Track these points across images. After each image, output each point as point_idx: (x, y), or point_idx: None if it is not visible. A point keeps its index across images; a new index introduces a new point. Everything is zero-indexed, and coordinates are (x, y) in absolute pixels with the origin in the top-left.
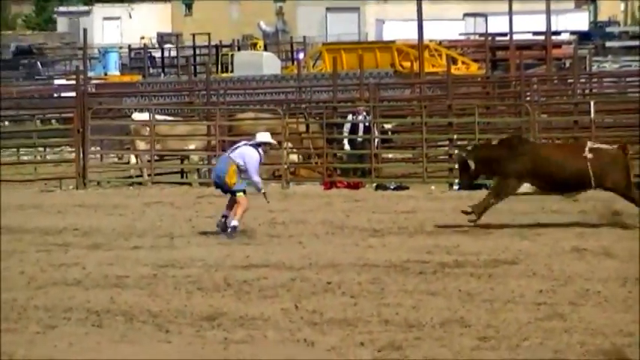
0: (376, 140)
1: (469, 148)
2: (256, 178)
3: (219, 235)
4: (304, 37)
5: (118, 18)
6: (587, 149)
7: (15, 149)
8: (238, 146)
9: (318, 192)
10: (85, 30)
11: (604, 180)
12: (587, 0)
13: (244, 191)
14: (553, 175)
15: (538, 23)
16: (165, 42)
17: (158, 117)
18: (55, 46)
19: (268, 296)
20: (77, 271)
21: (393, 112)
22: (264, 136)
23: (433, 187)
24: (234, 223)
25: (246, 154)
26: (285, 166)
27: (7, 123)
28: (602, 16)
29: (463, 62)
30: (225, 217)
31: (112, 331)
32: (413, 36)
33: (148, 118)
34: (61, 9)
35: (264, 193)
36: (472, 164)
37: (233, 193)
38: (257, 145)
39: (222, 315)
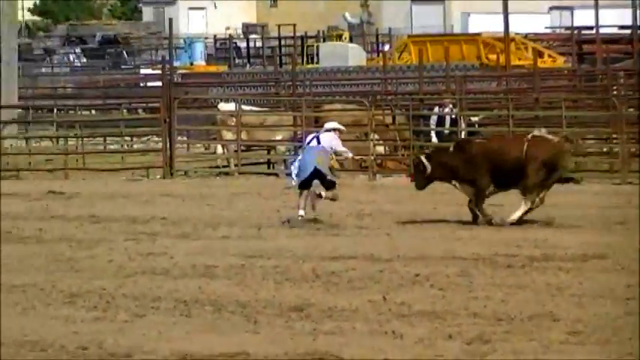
0: (462, 133)
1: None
2: (345, 149)
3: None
4: (389, 29)
5: (203, 8)
6: (529, 136)
7: (102, 138)
8: (315, 137)
9: (404, 184)
10: (170, 20)
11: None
12: None
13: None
14: (499, 168)
15: (624, 17)
16: (250, 32)
17: (244, 107)
18: (140, 35)
19: (356, 288)
20: (165, 260)
21: (479, 105)
22: (331, 124)
23: None
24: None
25: (326, 140)
26: (372, 158)
27: (94, 112)
28: None
29: (549, 55)
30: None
31: (200, 320)
32: (498, 29)
33: (234, 109)
34: None
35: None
36: (428, 167)
37: (329, 184)
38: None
39: (310, 306)
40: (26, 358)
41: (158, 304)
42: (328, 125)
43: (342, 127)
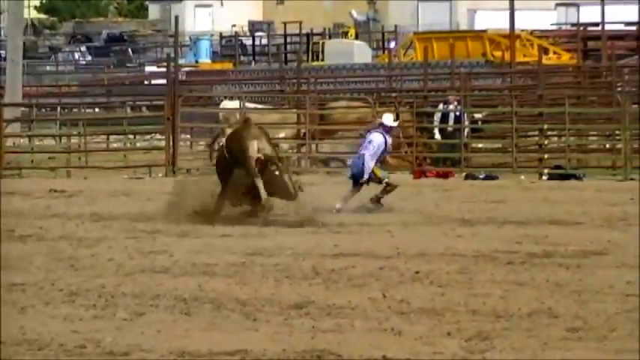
0: (466, 130)
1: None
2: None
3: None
4: (395, 26)
5: (209, 6)
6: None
7: (105, 136)
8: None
9: (407, 181)
10: (176, 17)
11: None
12: None
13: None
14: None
15: (630, 13)
16: (256, 30)
17: (248, 105)
18: (146, 33)
19: (356, 285)
20: (165, 258)
21: (483, 102)
22: (386, 119)
23: (523, 177)
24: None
25: (373, 140)
26: None
27: (97, 110)
28: None
29: (555, 52)
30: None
31: (199, 318)
32: (504, 26)
33: (238, 106)
34: None
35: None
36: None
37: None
38: (385, 131)
39: (310, 304)
40: (24, 357)
41: (157, 302)
42: (384, 120)
43: (394, 125)
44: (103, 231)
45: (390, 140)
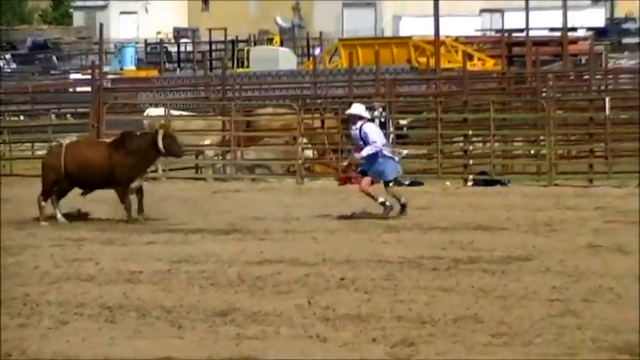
0: (391, 136)
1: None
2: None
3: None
4: (320, 33)
5: (134, 12)
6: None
7: (30, 144)
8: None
9: (333, 188)
10: (101, 24)
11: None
12: None
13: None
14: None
15: (554, 19)
16: (181, 37)
17: (173, 112)
18: (71, 40)
19: (282, 292)
20: (91, 266)
21: (408, 108)
22: (359, 109)
23: (448, 183)
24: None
25: (368, 132)
26: (300, 162)
27: (22, 117)
28: (619, 13)
29: (479, 58)
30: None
31: (124, 326)
32: (429, 32)
33: (162, 113)
34: (78, 3)
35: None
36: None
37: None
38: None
39: (235, 310)
40: None
41: (82, 311)
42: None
43: (365, 115)
44: (28, 239)
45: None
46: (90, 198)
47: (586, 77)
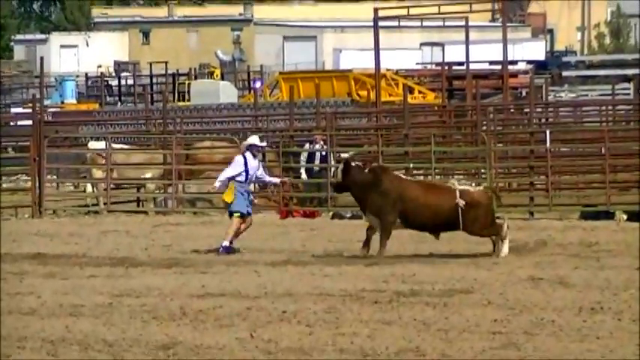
0: (333, 169)
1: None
2: (220, 178)
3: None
4: (261, 66)
5: (75, 46)
6: (457, 192)
7: None
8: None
9: (274, 221)
10: (41, 58)
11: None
12: (544, 30)
13: (240, 213)
14: (424, 217)
15: (495, 52)
16: (122, 70)
17: (114, 145)
18: (11, 74)
19: (224, 325)
20: (32, 299)
21: (349, 141)
22: (251, 139)
23: None
24: (224, 243)
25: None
26: None
27: None
28: (559, 46)
29: (420, 91)
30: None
31: None
32: (370, 65)
33: (104, 147)
34: (18, 37)
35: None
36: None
37: (229, 213)
38: (246, 150)
39: (177, 344)
40: None
41: (24, 344)
42: (249, 140)
43: (261, 144)
44: None
45: (257, 163)
46: (33, 231)
47: (526, 110)
